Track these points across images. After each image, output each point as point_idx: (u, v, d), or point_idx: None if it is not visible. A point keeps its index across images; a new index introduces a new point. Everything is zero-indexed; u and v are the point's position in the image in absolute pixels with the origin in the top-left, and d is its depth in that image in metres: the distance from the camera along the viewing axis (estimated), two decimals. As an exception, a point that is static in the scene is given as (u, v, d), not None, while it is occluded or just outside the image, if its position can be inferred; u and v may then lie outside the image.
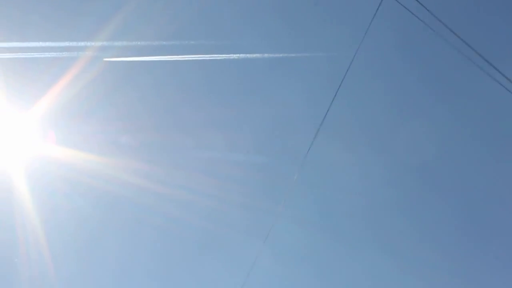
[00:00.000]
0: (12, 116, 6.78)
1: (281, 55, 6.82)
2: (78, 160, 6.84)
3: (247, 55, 6.64)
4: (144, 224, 6.96)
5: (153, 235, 7.02)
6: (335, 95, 6.25)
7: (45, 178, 6.93)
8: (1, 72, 6.69)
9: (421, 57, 6.95)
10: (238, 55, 6.59)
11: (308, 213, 7.49)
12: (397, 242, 7.20)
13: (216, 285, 7.16)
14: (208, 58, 6.61)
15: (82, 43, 6.68)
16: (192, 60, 6.64)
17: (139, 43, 6.75)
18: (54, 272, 6.99)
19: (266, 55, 6.69)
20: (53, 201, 6.95)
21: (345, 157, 7.22)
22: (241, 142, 7.13)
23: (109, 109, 6.87)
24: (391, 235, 7.25)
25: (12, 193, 6.89)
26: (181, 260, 7.18)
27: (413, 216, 7.40)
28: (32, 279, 7.01)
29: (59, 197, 6.94)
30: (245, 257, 7.06)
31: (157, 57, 6.74)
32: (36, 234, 6.95)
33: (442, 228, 7.33)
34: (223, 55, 6.62)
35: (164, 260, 7.16)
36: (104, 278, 7.16)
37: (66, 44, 6.68)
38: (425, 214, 7.33)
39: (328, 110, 6.34)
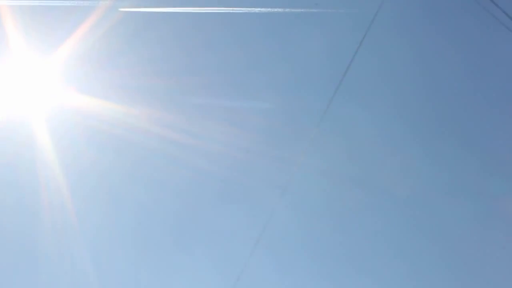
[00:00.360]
0: (31, 64, 6.82)
1: (302, 10, 6.79)
2: (98, 108, 6.93)
3: (269, 9, 6.62)
4: (164, 173, 7.09)
5: (173, 185, 7.16)
6: (356, 51, 6.30)
7: (65, 127, 7.03)
8: (19, 20, 6.68)
9: (448, 15, 6.90)
10: (259, 9, 6.58)
11: (328, 164, 7.57)
12: (419, 193, 7.29)
13: (234, 236, 7.36)
14: (228, 11, 6.60)
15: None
16: (212, 12, 6.63)
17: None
18: (76, 223, 7.18)
19: (287, 9, 6.68)
20: (74, 150, 7.07)
21: (365, 113, 7.28)
22: (261, 94, 7.18)
23: (128, 57, 6.88)
24: (413, 184, 7.33)
25: (33, 141, 7.01)
26: (199, 211, 7.34)
27: (435, 164, 7.42)
28: (54, 229, 7.22)
29: (80, 146, 7.07)
30: (263, 207, 7.24)
31: (175, 9, 6.72)
32: (57, 183, 7.11)
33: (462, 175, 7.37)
34: (245, 9, 6.60)
35: (183, 211, 7.32)
36: (125, 229, 7.34)
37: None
38: (447, 164, 7.36)
39: (348, 66, 6.41)
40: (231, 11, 6.67)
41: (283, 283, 7.37)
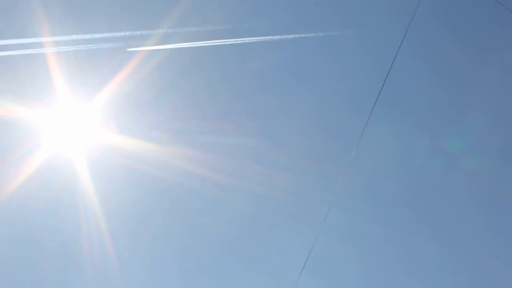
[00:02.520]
0: (74, 106, 6.92)
1: (332, 33, 6.76)
2: (139, 149, 6.95)
3: (301, 35, 6.62)
4: (206, 214, 7.04)
5: (214, 226, 7.10)
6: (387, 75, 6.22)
7: (107, 167, 7.07)
8: (63, 64, 6.81)
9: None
10: (292, 35, 6.57)
11: (359, 200, 7.45)
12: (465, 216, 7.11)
13: (279, 264, 7.27)
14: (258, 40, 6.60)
15: (140, 32, 6.75)
16: (249, 43, 6.63)
17: (198, 28, 6.78)
18: (116, 263, 7.16)
19: (320, 34, 6.64)
20: (114, 191, 7.08)
21: (401, 131, 7.13)
22: (296, 128, 7.11)
23: (169, 99, 6.93)
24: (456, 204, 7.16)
25: (74, 182, 7.05)
26: (240, 248, 7.26)
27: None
28: (94, 268, 7.20)
29: (121, 186, 7.08)
30: (302, 242, 7.13)
31: (216, 42, 6.75)
32: (97, 224, 7.11)
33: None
34: (276, 36, 6.59)
35: (224, 248, 7.26)
36: (167, 269, 7.29)
37: (125, 34, 6.75)
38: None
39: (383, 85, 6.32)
40: (262, 40, 6.67)
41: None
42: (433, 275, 7.39)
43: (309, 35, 6.86)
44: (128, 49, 6.78)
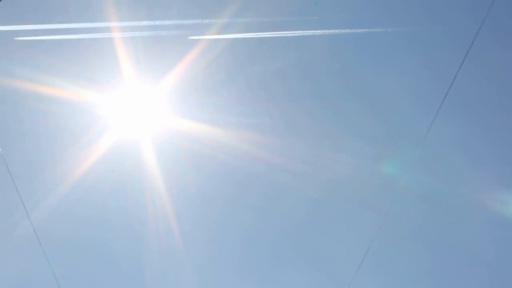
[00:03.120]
0: (141, 91, 7.02)
1: (403, 29, 6.60)
2: (205, 133, 7.01)
3: (370, 29, 6.50)
4: (270, 199, 7.09)
5: (276, 210, 7.13)
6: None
7: (172, 151, 7.17)
8: (132, 49, 6.90)
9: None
10: (363, 29, 6.47)
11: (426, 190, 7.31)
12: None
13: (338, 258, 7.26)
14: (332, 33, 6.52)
15: (207, 21, 6.76)
16: (318, 35, 6.56)
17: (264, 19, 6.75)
18: (180, 243, 7.30)
19: (389, 29, 6.50)
20: (180, 174, 7.20)
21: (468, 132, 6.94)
22: (364, 117, 7.01)
23: (236, 84, 6.95)
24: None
25: (141, 165, 7.19)
26: (300, 234, 7.27)
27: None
28: (161, 252, 7.38)
29: (186, 170, 7.18)
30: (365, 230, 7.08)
31: (282, 33, 6.70)
32: (163, 207, 7.26)
33: None
34: (347, 30, 6.50)
35: (286, 234, 7.28)
36: (230, 252, 7.39)
37: (193, 22, 6.78)
38: None
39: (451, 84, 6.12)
40: (330, 33, 6.58)
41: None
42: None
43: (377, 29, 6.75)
44: (190, 37, 6.81)
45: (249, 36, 6.87)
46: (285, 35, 6.80)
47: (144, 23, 6.79)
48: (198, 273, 7.42)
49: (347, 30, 6.77)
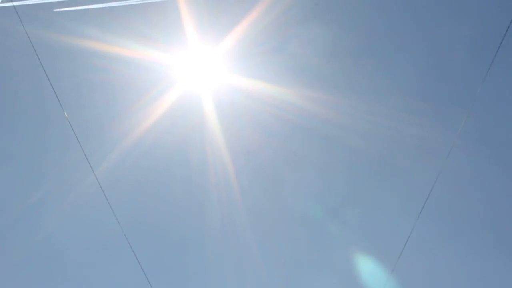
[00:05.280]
0: (203, 49, 7.18)
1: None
2: (265, 91, 7.17)
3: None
4: (329, 155, 7.25)
5: (336, 165, 7.31)
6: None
7: (233, 109, 7.37)
8: (194, 9, 7.04)
9: None
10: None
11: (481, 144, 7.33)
12: None
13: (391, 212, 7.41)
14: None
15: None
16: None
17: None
18: (240, 199, 7.56)
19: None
20: (241, 132, 7.40)
21: None
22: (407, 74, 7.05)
23: (296, 43, 7.04)
24: None
25: (203, 122, 7.41)
26: (357, 189, 7.44)
27: None
28: (220, 204, 7.64)
29: (247, 127, 7.38)
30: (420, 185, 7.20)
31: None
32: (223, 164, 7.49)
33: None
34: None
35: (343, 189, 7.46)
36: (284, 209, 7.61)
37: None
38: None
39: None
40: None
41: (447, 252, 7.38)
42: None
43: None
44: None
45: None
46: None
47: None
48: (254, 226, 7.68)
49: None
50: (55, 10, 6.72)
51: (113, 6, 7.05)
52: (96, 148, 7.47)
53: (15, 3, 6.43)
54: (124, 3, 7.04)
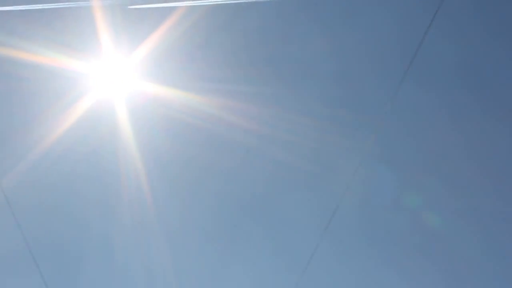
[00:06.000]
0: (117, 58, 7.07)
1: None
2: (180, 99, 7.10)
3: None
4: (244, 165, 7.20)
5: (252, 176, 7.25)
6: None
7: (147, 118, 7.22)
8: (107, 19, 6.98)
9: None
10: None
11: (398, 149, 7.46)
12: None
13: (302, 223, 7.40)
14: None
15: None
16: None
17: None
18: (154, 215, 7.32)
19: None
20: (154, 140, 7.24)
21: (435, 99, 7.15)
22: (329, 82, 7.18)
23: (210, 51, 7.08)
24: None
25: (116, 132, 7.20)
26: (272, 199, 7.39)
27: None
28: (133, 221, 7.36)
29: (161, 136, 7.24)
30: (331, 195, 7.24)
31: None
32: (137, 175, 7.27)
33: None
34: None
35: (256, 200, 7.39)
36: (203, 217, 7.44)
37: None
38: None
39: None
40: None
41: (349, 272, 7.37)
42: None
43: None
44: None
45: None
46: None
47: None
48: (170, 241, 7.42)
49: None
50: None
51: (22, 10, 6.86)
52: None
53: None
54: (34, 6, 6.87)
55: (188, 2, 7.06)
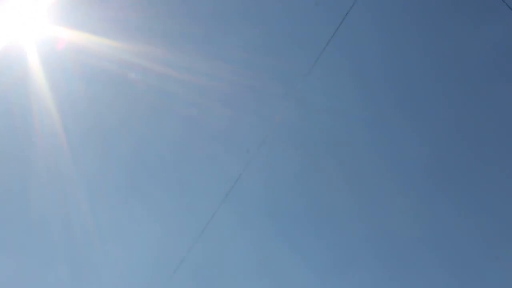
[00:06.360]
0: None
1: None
2: (94, 44, 6.98)
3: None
4: (160, 110, 7.16)
5: (168, 121, 7.22)
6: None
7: (60, 63, 7.07)
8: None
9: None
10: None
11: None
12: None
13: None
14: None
15: None
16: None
17: None
18: (69, 161, 7.19)
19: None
20: (68, 85, 7.11)
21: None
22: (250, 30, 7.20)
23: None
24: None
25: (27, 78, 7.03)
26: (196, 147, 7.39)
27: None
28: (48, 168, 7.22)
29: (74, 81, 7.11)
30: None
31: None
32: (52, 122, 7.12)
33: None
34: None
35: (181, 146, 7.37)
36: (119, 165, 7.37)
37: None
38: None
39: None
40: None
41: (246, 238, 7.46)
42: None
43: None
44: None
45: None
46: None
47: None
48: (89, 191, 7.34)
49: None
50: None
51: None
52: None
53: None
54: None
55: None
